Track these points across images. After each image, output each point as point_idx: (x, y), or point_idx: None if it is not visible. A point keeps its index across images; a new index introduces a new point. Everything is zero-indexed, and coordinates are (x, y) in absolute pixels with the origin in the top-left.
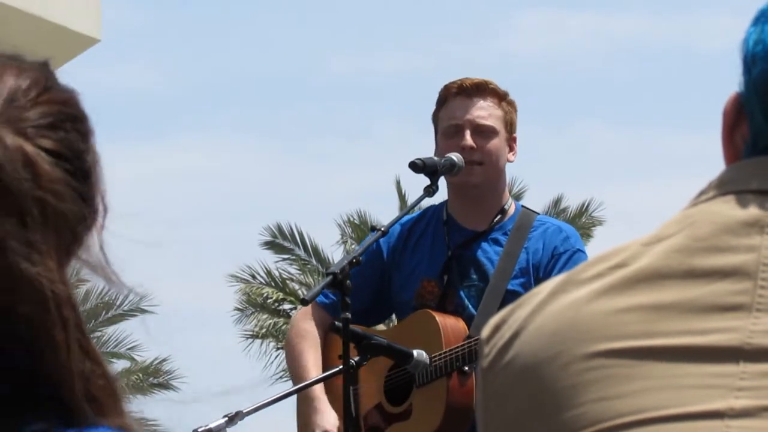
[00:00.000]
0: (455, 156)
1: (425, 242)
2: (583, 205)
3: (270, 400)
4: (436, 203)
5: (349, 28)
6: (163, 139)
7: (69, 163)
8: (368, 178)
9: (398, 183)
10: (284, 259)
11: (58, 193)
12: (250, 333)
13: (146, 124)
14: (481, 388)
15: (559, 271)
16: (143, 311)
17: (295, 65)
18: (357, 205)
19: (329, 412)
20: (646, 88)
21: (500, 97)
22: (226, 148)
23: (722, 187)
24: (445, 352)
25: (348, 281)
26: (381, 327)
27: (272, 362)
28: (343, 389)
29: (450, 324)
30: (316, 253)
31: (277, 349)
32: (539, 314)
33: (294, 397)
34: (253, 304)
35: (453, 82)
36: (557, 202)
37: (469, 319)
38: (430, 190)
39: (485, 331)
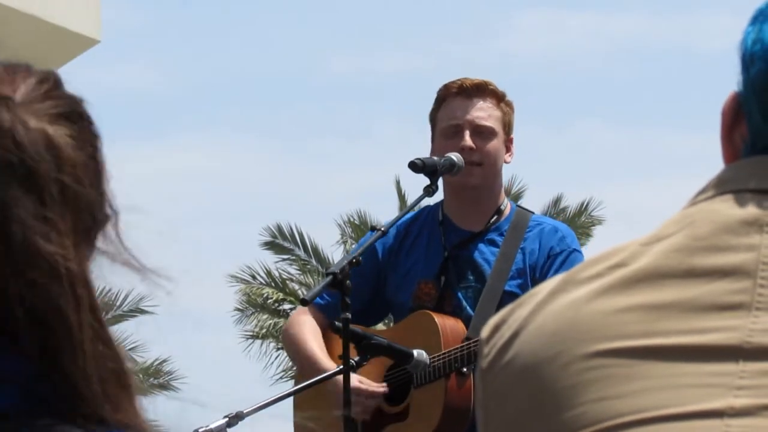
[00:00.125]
0: (455, 156)
1: (421, 243)
2: (582, 204)
3: (270, 400)
4: (432, 203)
5: (349, 28)
6: (163, 139)
7: (84, 153)
8: (368, 178)
9: (398, 183)
10: (284, 260)
11: (78, 177)
12: (251, 333)
13: (146, 124)
14: (481, 388)
15: (556, 272)
16: (143, 312)
17: (295, 65)
18: (357, 205)
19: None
20: (646, 88)
21: (499, 98)
22: (226, 148)
23: (721, 186)
24: (444, 353)
25: (348, 281)
26: (381, 327)
27: (272, 363)
28: (344, 389)
29: (449, 325)
30: (316, 253)
31: (278, 349)
32: (539, 314)
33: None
34: (253, 304)
35: (453, 82)
36: (557, 201)
37: (466, 320)
38: (430, 190)
39: (485, 332)
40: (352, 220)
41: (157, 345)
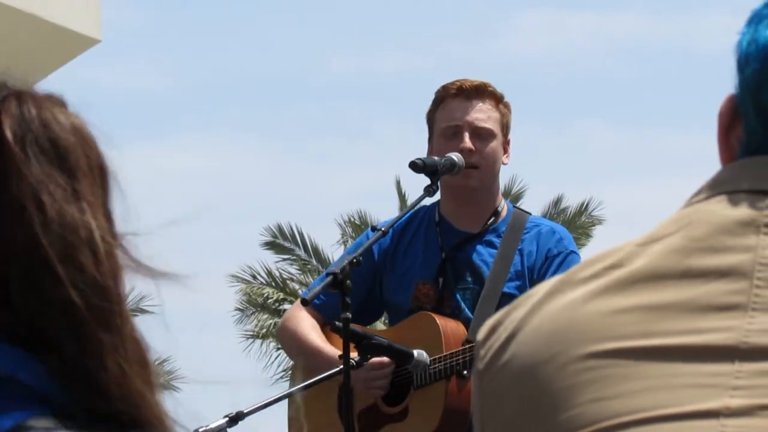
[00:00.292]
0: (455, 156)
1: (418, 243)
2: (582, 204)
3: (271, 399)
4: (428, 204)
5: (349, 28)
6: (163, 139)
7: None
8: (368, 178)
9: (398, 183)
10: (285, 260)
11: (100, 154)
12: (251, 333)
13: (146, 124)
14: (478, 390)
15: (553, 273)
16: (143, 311)
17: (295, 65)
18: (357, 205)
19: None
20: (646, 88)
21: (498, 99)
22: (226, 148)
23: (717, 187)
24: (446, 356)
25: (348, 281)
26: (381, 327)
27: (273, 362)
28: (344, 389)
29: (450, 327)
30: (317, 253)
31: (278, 349)
32: (535, 315)
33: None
34: (253, 304)
35: (451, 83)
36: (557, 202)
37: (465, 322)
38: (431, 190)
39: (481, 333)
40: (352, 220)
41: (158, 345)
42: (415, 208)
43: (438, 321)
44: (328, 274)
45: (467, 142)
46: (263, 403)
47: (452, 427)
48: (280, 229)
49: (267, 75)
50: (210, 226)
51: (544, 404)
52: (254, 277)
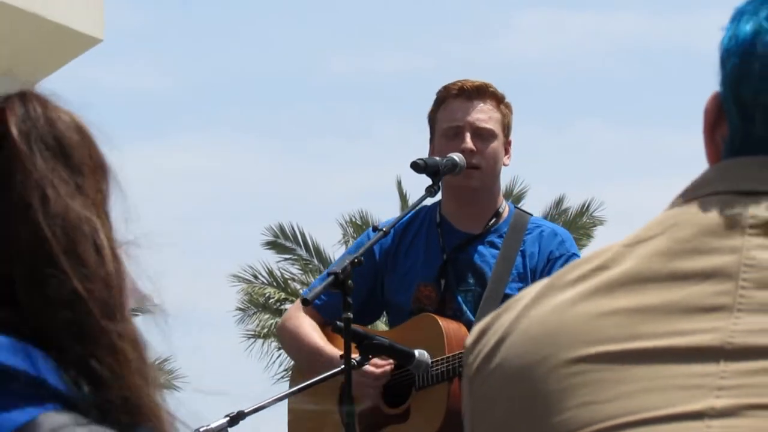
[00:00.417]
0: (457, 156)
1: (419, 244)
2: (583, 205)
3: (272, 399)
4: (429, 204)
5: (349, 28)
6: (163, 139)
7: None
8: (369, 178)
9: (399, 183)
10: (286, 259)
11: (103, 155)
12: (252, 333)
13: (147, 124)
14: (468, 394)
15: None
16: (144, 311)
17: (295, 65)
18: (358, 205)
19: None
20: (646, 88)
21: (499, 100)
22: (226, 148)
23: (702, 188)
24: (448, 357)
25: (350, 281)
26: (383, 328)
27: (274, 362)
28: (345, 388)
29: (453, 329)
30: (318, 253)
31: (279, 348)
32: (524, 319)
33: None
34: (254, 303)
35: (453, 84)
36: (558, 202)
37: (467, 324)
38: (432, 190)
39: (470, 339)
40: (353, 220)
41: (161, 344)
42: (417, 208)
43: (440, 323)
44: (329, 274)
45: (468, 142)
46: (264, 402)
47: (454, 429)
48: (281, 228)
49: (267, 75)
50: (210, 226)
51: (536, 408)
52: (255, 277)
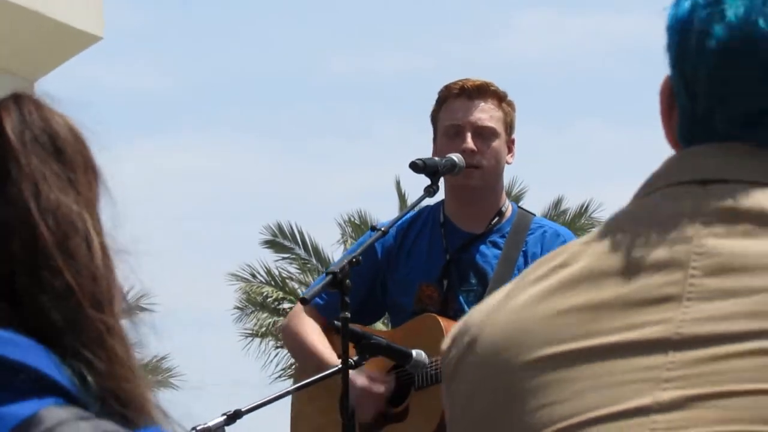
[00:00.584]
0: (456, 156)
1: (422, 244)
2: (583, 206)
3: (269, 398)
4: (432, 204)
5: (349, 28)
6: (163, 138)
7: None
8: (368, 178)
9: (398, 183)
10: (284, 258)
11: (94, 159)
12: (250, 332)
13: (146, 123)
14: (446, 395)
15: None
16: (142, 309)
17: (295, 65)
18: (357, 205)
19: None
20: (646, 88)
21: (500, 98)
22: (226, 148)
23: (658, 180)
24: None
25: (348, 281)
26: (381, 327)
27: (271, 361)
28: (342, 388)
29: None
30: (316, 252)
31: (276, 348)
32: (493, 319)
33: (291, 397)
34: (252, 302)
35: (454, 83)
36: (557, 203)
37: None
38: (431, 191)
39: (445, 344)
40: (352, 219)
41: (158, 342)
42: (416, 208)
43: (442, 323)
44: (327, 274)
45: (469, 142)
46: (261, 401)
47: None
48: (279, 227)
49: (267, 75)
50: (210, 226)
51: (505, 409)
52: (254, 276)
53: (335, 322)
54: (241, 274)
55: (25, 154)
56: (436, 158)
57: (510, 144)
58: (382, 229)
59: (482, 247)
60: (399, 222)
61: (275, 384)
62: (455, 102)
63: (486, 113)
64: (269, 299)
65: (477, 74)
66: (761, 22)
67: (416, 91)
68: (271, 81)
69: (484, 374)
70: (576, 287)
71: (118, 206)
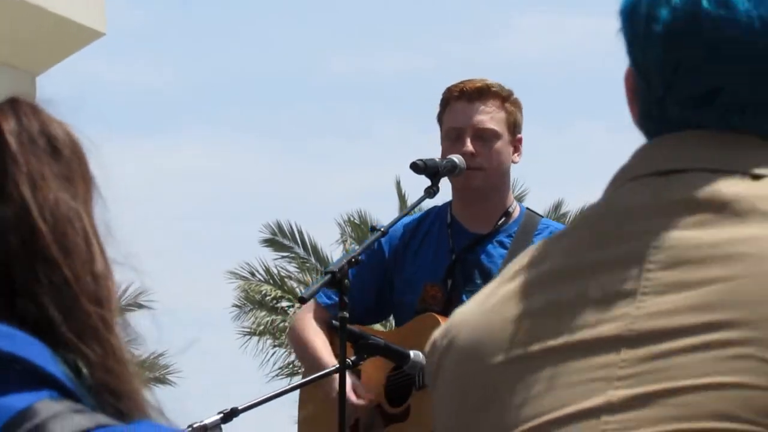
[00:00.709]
0: (456, 157)
1: (429, 243)
2: (583, 208)
3: (266, 397)
4: (440, 204)
5: (349, 28)
6: (163, 138)
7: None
8: (368, 178)
9: (398, 183)
10: (283, 257)
11: (88, 163)
12: (248, 330)
13: (146, 122)
14: (432, 395)
15: None
16: (140, 306)
17: (295, 65)
18: (357, 205)
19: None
20: None
21: (503, 98)
22: (226, 148)
23: (624, 175)
24: None
25: (346, 280)
26: (379, 327)
27: (269, 359)
28: (339, 387)
29: None
30: (315, 251)
31: (274, 346)
32: (468, 322)
33: (289, 396)
34: (251, 301)
35: (455, 85)
36: (557, 206)
37: None
38: (431, 192)
39: (428, 347)
40: (352, 219)
41: (156, 340)
42: (416, 209)
43: (442, 323)
44: (326, 273)
45: (468, 145)
46: (258, 400)
47: None
48: (279, 226)
49: (267, 75)
50: (210, 226)
51: (476, 411)
52: (252, 274)
53: (333, 322)
54: (239, 272)
55: (23, 154)
56: (437, 159)
57: (516, 143)
58: (382, 229)
59: (489, 247)
60: (405, 222)
61: (273, 382)
62: (456, 104)
63: (486, 115)
64: (268, 297)
65: (477, 74)
66: (704, 1)
67: (416, 91)
68: (271, 81)
69: (459, 375)
70: (540, 287)
71: (111, 214)
